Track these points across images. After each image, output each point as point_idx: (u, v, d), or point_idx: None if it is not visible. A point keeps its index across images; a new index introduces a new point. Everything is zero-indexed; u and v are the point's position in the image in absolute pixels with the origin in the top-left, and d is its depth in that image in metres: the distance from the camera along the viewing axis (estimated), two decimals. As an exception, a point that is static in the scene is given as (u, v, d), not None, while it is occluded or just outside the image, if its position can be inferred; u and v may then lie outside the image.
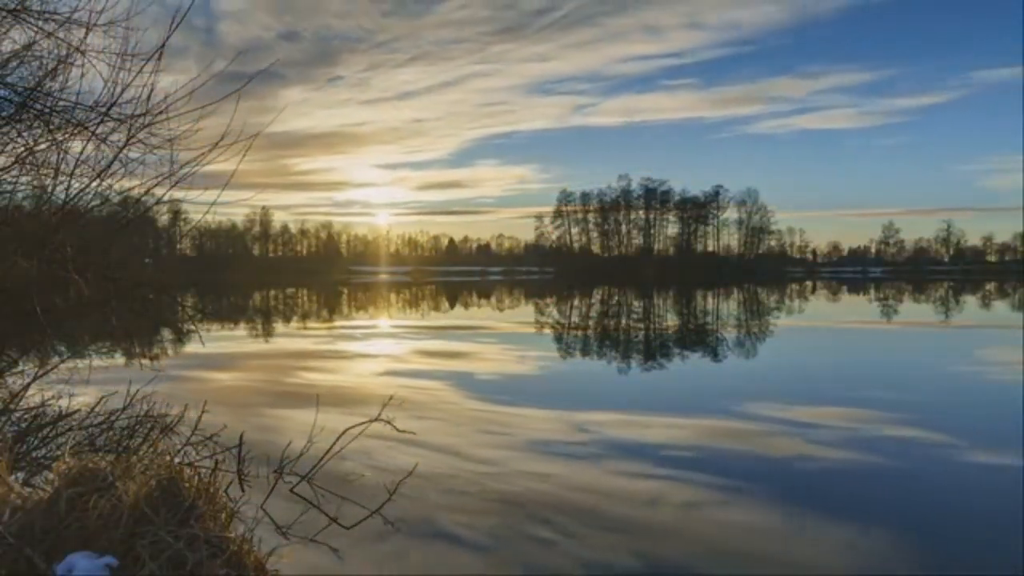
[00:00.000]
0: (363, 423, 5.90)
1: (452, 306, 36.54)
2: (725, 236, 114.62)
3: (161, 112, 5.49)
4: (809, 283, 70.98)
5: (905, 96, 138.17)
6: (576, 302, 39.97)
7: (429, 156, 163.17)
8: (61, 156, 5.75)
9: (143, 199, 5.98)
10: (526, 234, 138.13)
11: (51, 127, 5.75)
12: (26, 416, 6.14)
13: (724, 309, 33.31)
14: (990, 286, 59.54)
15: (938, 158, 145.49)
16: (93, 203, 5.89)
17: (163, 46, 5.29)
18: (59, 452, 4.78)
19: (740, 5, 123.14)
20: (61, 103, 5.71)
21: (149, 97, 5.42)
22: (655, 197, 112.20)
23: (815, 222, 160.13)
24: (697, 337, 19.85)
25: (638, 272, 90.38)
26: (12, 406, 6.07)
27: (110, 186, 5.84)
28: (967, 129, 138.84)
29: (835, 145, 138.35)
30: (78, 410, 6.31)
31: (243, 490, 5.45)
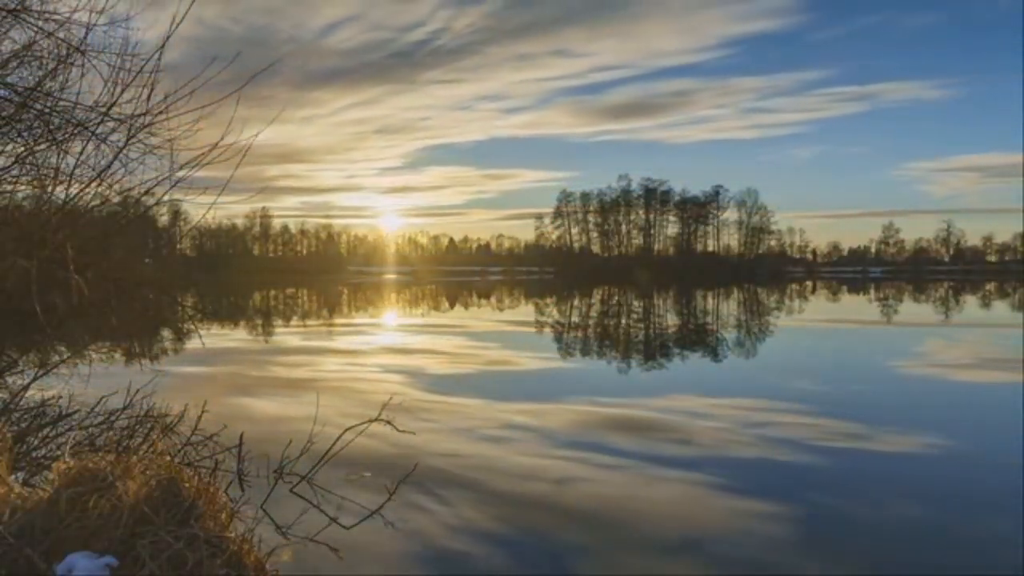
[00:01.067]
0: (363, 423, 5.90)
1: (452, 306, 36.54)
2: (725, 236, 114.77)
3: (161, 112, 5.49)
4: (809, 283, 70.96)
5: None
6: (576, 302, 39.97)
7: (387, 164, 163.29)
8: (61, 156, 5.76)
9: (143, 199, 5.98)
10: (526, 234, 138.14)
11: (51, 127, 5.75)
12: (26, 416, 6.14)
13: (724, 310, 33.31)
14: (990, 286, 59.54)
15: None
16: (93, 203, 5.89)
17: (163, 46, 5.29)
18: (59, 452, 4.78)
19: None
20: (61, 103, 5.72)
21: (149, 97, 5.42)
22: (655, 197, 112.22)
23: (813, 222, 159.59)
24: (697, 337, 19.85)
25: (638, 272, 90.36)
26: (12, 406, 6.07)
27: (110, 186, 5.85)
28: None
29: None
30: (78, 410, 6.31)
31: (243, 490, 5.45)
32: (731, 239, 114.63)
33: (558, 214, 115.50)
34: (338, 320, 26.96)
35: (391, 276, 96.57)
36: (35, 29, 5.78)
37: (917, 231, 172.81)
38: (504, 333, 21.57)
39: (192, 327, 18.42)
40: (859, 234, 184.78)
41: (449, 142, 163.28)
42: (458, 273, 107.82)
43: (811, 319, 26.90)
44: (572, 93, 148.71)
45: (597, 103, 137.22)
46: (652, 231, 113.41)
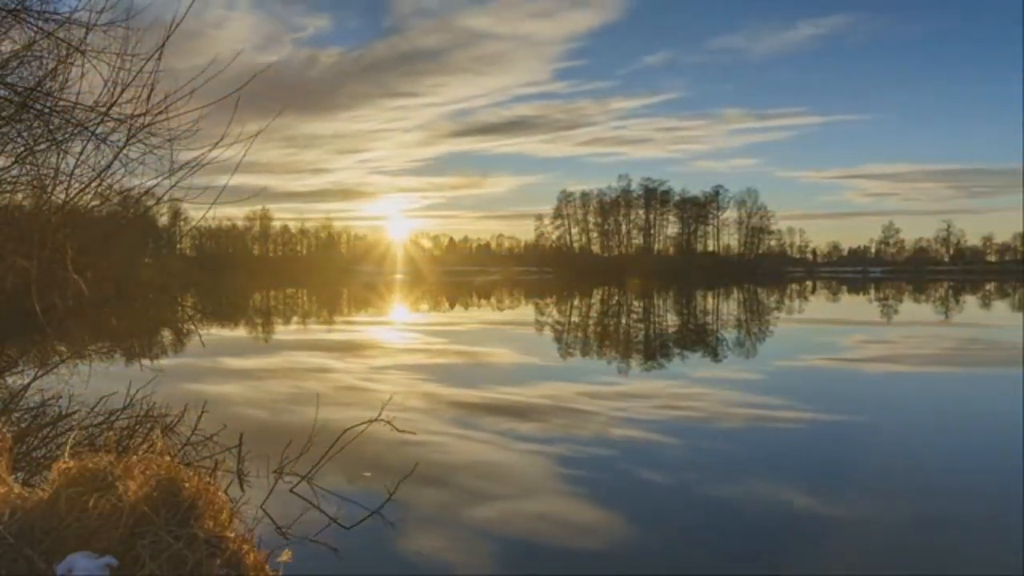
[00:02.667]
0: (363, 423, 5.90)
1: (452, 306, 36.55)
2: (725, 236, 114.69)
3: (161, 112, 5.48)
4: (809, 283, 70.96)
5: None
6: (576, 302, 39.97)
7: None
8: (61, 156, 5.75)
9: (143, 199, 5.98)
10: (526, 234, 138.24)
11: (51, 127, 5.75)
12: (26, 416, 6.14)
13: (724, 310, 33.30)
14: (990, 286, 59.54)
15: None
16: (93, 203, 5.89)
17: (163, 46, 5.28)
18: (59, 452, 4.77)
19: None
20: (61, 103, 5.71)
21: (149, 97, 5.41)
22: (655, 197, 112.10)
23: (813, 223, 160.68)
24: (697, 337, 19.85)
25: (638, 272, 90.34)
26: (12, 406, 6.07)
27: (110, 186, 5.84)
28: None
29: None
30: (78, 410, 6.31)
31: (243, 490, 5.45)
32: (731, 239, 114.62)
33: (558, 214, 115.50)
34: (338, 320, 26.96)
35: (391, 276, 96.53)
36: (35, 29, 5.78)
37: (917, 231, 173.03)
38: (504, 333, 21.58)
39: (192, 327, 18.42)
40: (859, 234, 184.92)
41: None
42: (458, 273, 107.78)
43: (812, 319, 26.91)
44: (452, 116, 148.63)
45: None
46: (652, 231, 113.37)
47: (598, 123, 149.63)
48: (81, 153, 5.71)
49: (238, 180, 5.66)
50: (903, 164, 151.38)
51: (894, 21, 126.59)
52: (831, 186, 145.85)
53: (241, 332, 21.38)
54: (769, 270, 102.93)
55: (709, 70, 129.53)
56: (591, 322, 26.71)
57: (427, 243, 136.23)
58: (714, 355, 15.55)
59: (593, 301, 41.10)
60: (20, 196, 6.67)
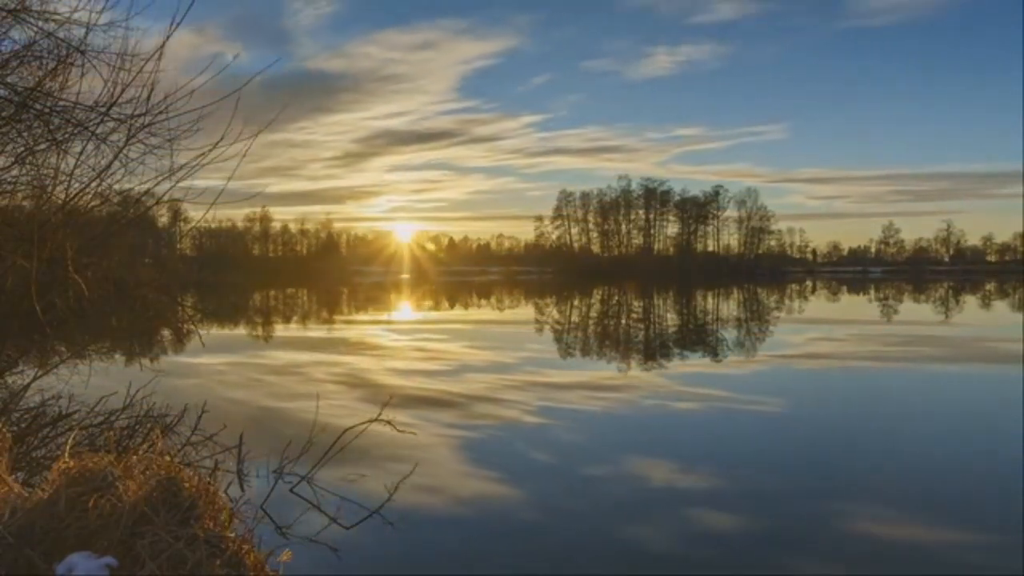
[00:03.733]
0: (363, 423, 5.90)
1: (452, 306, 36.55)
2: (725, 236, 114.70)
3: (161, 112, 5.48)
4: (809, 283, 70.98)
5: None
6: (576, 302, 39.96)
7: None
8: (61, 156, 5.74)
9: (143, 199, 5.98)
10: (526, 234, 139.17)
11: (51, 127, 5.74)
12: (26, 416, 6.14)
13: (724, 310, 33.30)
14: (990, 286, 59.55)
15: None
16: (93, 203, 5.88)
17: (163, 46, 5.28)
18: (59, 452, 4.77)
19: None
20: (61, 103, 5.70)
21: (149, 97, 5.40)
22: (655, 197, 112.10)
23: (814, 222, 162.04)
24: (697, 337, 19.86)
25: (638, 272, 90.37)
26: (12, 406, 6.07)
27: (110, 186, 5.84)
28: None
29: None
30: (78, 410, 6.31)
31: (243, 490, 5.46)
32: (731, 239, 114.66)
33: (558, 214, 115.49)
34: (338, 320, 26.95)
35: (391, 276, 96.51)
36: (35, 29, 5.77)
37: (917, 231, 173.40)
38: (504, 333, 21.58)
39: (192, 327, 18.42)
40: (859, 234, 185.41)
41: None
42: (458, 273, 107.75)
43: (812, 319, 26.91)
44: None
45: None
46: (652, 231, 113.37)
47: (502, 138, 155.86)
48: (81, 153, 5.70)
49: (238, 180, 5.66)
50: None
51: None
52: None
53: (241, 332, 21.39)
54: (769, 270, 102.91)
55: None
56: (590, 322, 26.71)
57: (429, 244, 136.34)
58: (714, 355, 15.55)
59: (592, 301, 41.10)
60: (20, 196, 6.67)
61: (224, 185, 5.60)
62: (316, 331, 22.03)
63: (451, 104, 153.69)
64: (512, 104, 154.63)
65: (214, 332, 20.37)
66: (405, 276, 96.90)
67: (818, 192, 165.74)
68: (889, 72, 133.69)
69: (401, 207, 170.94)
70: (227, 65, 5.33)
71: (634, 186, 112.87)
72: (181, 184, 5.61)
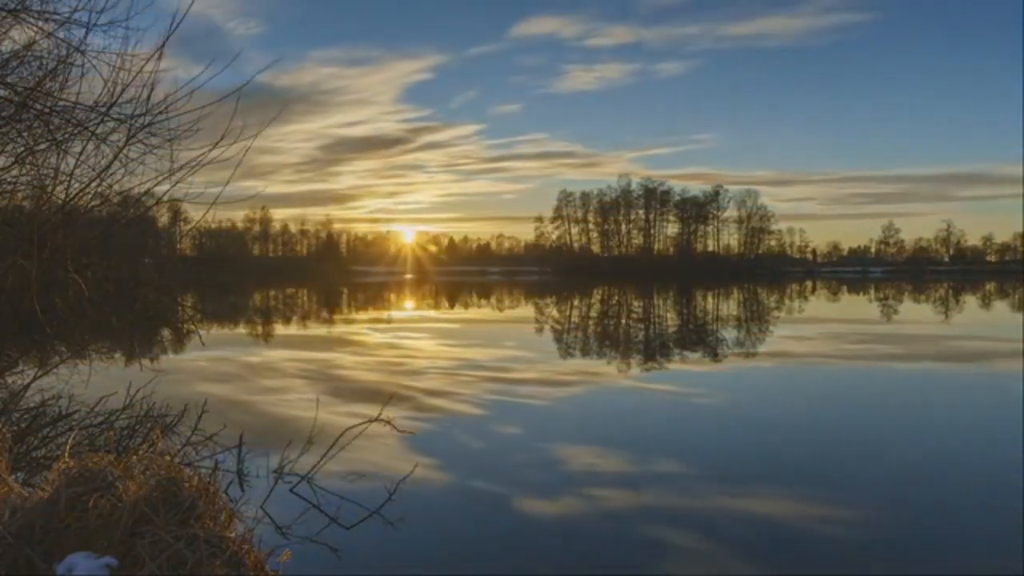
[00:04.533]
0: (363, 423, 5.90)
1: (452, 306, 36.56)
2: (725, 236, 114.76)
3: (161, 112, 5.48)
4: (809, 283, 71.00)
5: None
6: (575, 302, 39.97)
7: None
8: (61, 156, 5.74)
9: (143, 199, 5.98)
10: (526, 234, 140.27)
11: (51, 127, 5.74)
12: (26, 416, 6.14)
13: (724, 310, 33.31)
14: (990, 286, 59.55)
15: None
16: (93, 203, 5.88)
17: (163, 46, 5.28)
18: (59, 452, 4.77)
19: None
20: (61, 103, 5.70)
21: (149, 97, 5.41)
22: (655, 197, 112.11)
23: (813, 223, 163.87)
24: (697, 337, 19.86)
25: (638, 272, 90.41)
26: (12, 406, 6.07)
27: (110, 186, 5.84)
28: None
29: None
30: (78, 410, 6.31)
31: (243, 490, 5.46)
32: (731, 239, 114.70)
33: (558, 214, 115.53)
34: (338, 320, 26.95)
35: (391, 276, 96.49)
36: (35, 29, 5.77)
37: (917, 231, 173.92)
38: (503, 332, 21.58)
39: (192, 327, 18.42)
40: (859, 234, 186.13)
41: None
42: (458, 273, 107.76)
43: (813, 318, 26.93)
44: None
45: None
46: (652, 231, 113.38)
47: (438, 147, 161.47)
48: (81, 153, 5.70)
49: (238, 180, 5.67)
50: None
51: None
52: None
53: (241, 331, 21.39)
54: (769, 270, 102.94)
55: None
56: (590, 322, 26.72)
57: (429, 244, 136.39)
58: (713, 355, 15.56)
59: (592, 301, 41.11)
60: (20, 196, 6.67)
61: (224, 185, 5.61)
62: (316, 330, 22.04)
63: (400, 114, 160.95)
64: (455, 114, 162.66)
65: (214, 332, 20.38)
66: (405, 276, 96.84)
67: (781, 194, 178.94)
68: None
69: (383, 208, 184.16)
70: (227, 65, 5.33)
71: (634, 186, 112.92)
72: (181, 184, 5.61)
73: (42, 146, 5.92)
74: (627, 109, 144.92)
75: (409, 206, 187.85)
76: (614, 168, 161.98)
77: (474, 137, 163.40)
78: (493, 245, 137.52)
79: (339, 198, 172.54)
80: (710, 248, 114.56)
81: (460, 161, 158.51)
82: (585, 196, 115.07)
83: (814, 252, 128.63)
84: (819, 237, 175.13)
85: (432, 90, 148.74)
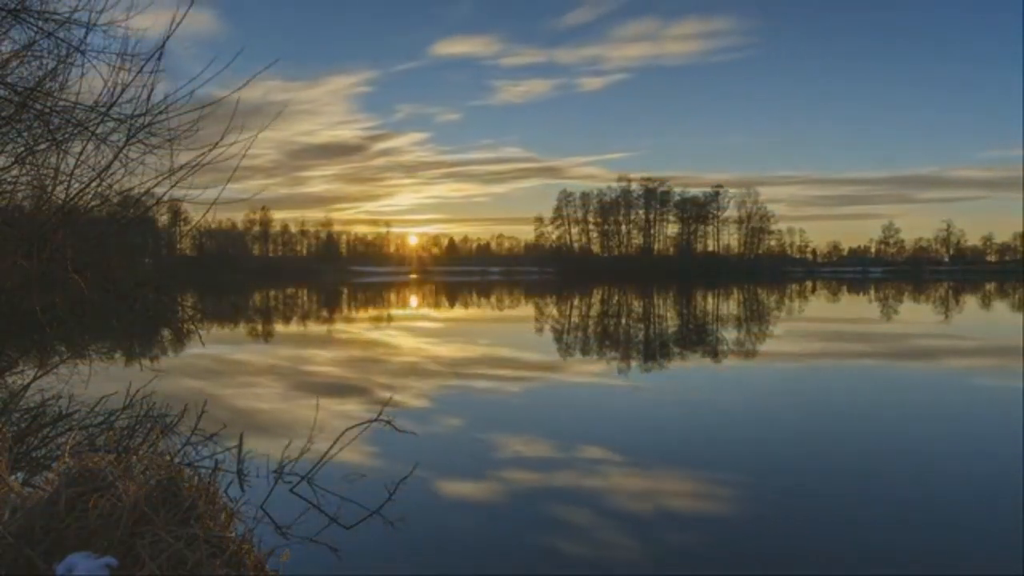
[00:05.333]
0: (363, 423, 5.90)
1: (452, 305, 36.57)
2: (725, 236, 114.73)
3: (161, 112, 5.48)
4: (809, 283, 71.01)
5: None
6: (576, 302, 39.97)
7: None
8: (61, 156, 5.74)
9: (143, 199, 5.98)
10: (526, 234, 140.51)
11: (51, 127, 5.74)
12: (26, 416, 6.14)
13: (724, 310, 33.31)
14: (990, 286, 59.56)
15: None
16: (93, 203, 5.88)
17: (163, 46, 5.29)
18: (59, 452, 4.77)
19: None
20: (61, 103, 5.70)
21: (149, 97, 5.41)
22: (655, 197, 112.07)
23: (813, 224, 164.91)
24: (697, 337, 19.87)
25: (638, 272, 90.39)
26: (12, 406, 6.07)
27: (110, 186, 5.83)
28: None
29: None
30: (78, 410, 6.30)
31: (243, 490, 5.45)
32: (731, 239, 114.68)
33: (558, 214, 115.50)
34: (338, 321, 26.95)
35: (391, 277, 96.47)
36: (35, 29, 5.77)
37: (917, 231, 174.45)
38: (503, 332, 21.57)
39: (192, 327, 18.42)
40: (859, 234, 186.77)
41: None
42: (458, 273, 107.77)
43: (814, 317, 26.93)
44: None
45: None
46: (652, 231, 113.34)
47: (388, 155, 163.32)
48: (81, 153, 5.70)
49: (238, 181, 5.67)
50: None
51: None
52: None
53: (241, 331, 21.40)
54: (769, 270, 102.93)
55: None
56: (590, 322, 26.72)
57: (429, 244, 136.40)
58: (713, 355, 15.56)
59: (592, 301, 41.12)
60: (20, 196, 6.67)
61: (224, 185, 5.61)
62: (316, 331, 22.05)
63: (354, 123, 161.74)
64: (403, 123, 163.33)
65: (214, 332, 20.38)
66: (405, 277, 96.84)
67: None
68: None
69: (364, 210, 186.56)
70: (227, 65, 5.33)
71: (634, 186, 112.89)
72: (181, 184, 5.61)
73: (42, 146, 5.92)
74: (564, 118, 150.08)
75: (397, 207, 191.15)
76: (579, 171, 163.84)
77: (428, 144, 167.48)
78: (493, 245, 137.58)
79: (318, 201, 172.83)
80: (710, 248, 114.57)
81: (423, 165, 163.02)
82: (585, 196, 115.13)
83: (814, 252, 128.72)
84: (819, 237, 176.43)
85: (374, 102, 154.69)
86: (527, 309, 33.91)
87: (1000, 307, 33.70)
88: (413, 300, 42.76)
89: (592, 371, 13.60)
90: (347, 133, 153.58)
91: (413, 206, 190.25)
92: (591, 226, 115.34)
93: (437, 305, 37.52)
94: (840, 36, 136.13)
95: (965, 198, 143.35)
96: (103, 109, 5.47)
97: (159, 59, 5.31)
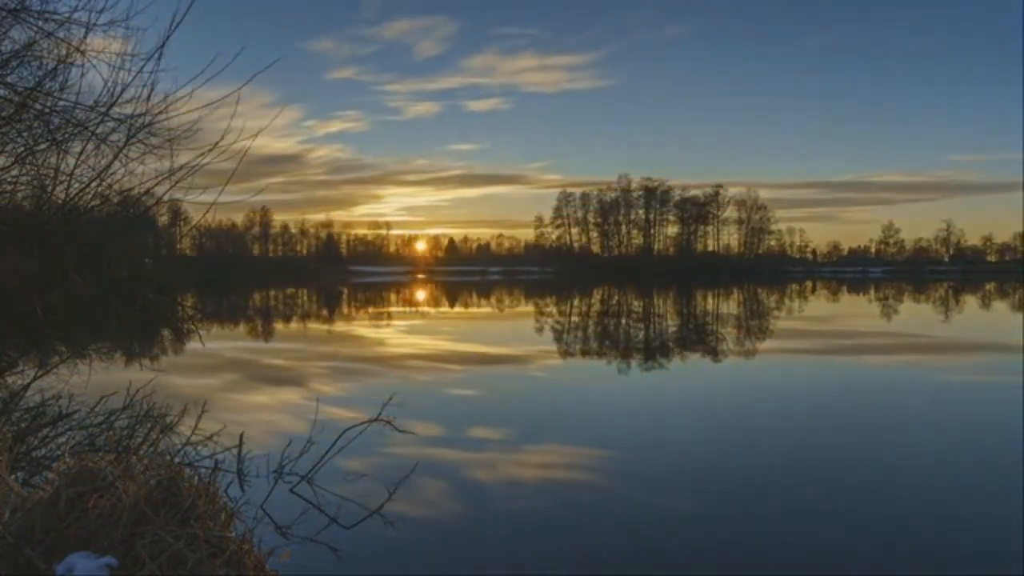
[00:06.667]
0: (363, 423, 5.90)
1: (452, 306, 36.57)
2: (725, 236, 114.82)
3: (161, 112, 5.49)
4: (809, 283, 71.01)
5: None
6: (576, 302, 39.97)
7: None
8: (61, 156, 5.74)
9: (143, 199, 5.98)
10: (526, 234, 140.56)
11: (51, 127, 5.74)
12: (26, 416, 6.14)
13: (724, 309, 33.31)
14: (990, 286, 59.56)
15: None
16: (93, 203, 5.88)
17: (163, 46, 5.29)
18: (59, 452, 4.77)
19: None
20: (61, 103, 5.71)
21: (149, 97, 5.42)
22: (655, 197, 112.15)
23: (813, 225, 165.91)
24: (697, 337, 19.87)
25: (638, 272, 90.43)
26: (12, 406, 6.07)
27: (110, 186, 5.84)
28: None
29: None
30: (78, 410, 6.30)
31: (243, 490, 5.45)
32: (731, 239, 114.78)
33: (558, 214, 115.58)
34: (338, 320, 26.95)
35: (392, 277, 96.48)
36: (35, 29, 5.76)
37: (917, 231, 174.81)
38: (503, 331, 21.58)
39: (192, 327, 18.43)
40: (859, 234, 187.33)
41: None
42: (458, 273, 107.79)
43: (814, 316, 26.93)
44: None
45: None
46: (652, 231, 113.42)
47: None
48: (81, 153, 5.70)
49: (238, 181, 5.67)
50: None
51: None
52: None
53: (241, 331, 21.40)
54: (769, 270, 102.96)
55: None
56: (590, 322, 26.73)
57: (429, 243, 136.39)
58: (714, 355, 15.56)
59: (592, 301, 41.12)
60: (20, 196, 6.66)
61: (224, 185, 5.61)
62: (316, 330, 22.05)
63: (282, 138, 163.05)
64: (322, 139, 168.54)
65: (214, 332, 20.38)
66: (405, 277, 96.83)
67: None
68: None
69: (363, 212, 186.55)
70: (226, 65, 5.33)
71: (634, 186, 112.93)
72: (181, 184, 5.61)
73: (42, 146, 5.92)
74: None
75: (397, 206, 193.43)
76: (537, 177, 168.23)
77: (342, 153, 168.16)
78: (493, 245, 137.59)
79: (319, 203, 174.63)
80: (710, 248, 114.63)
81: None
82: (585, 196, 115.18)
83: (814, 252, 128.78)
84: (819, 237, 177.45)
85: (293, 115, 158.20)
86: (527, 309, 33.92)
87: (1000, 307, 33.70)
88: (413, 300, 42.76)
89: (592, 371, 13.61)
90: (289, 146, 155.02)
91: (412, 206, 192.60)
92: (591, 226, 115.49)
93: (437, 305, 37.53)
94: (840, 36, 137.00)
95: (965, 198, 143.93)
96: (103, 109, 5.47)
97: (159, 59, 5.32)
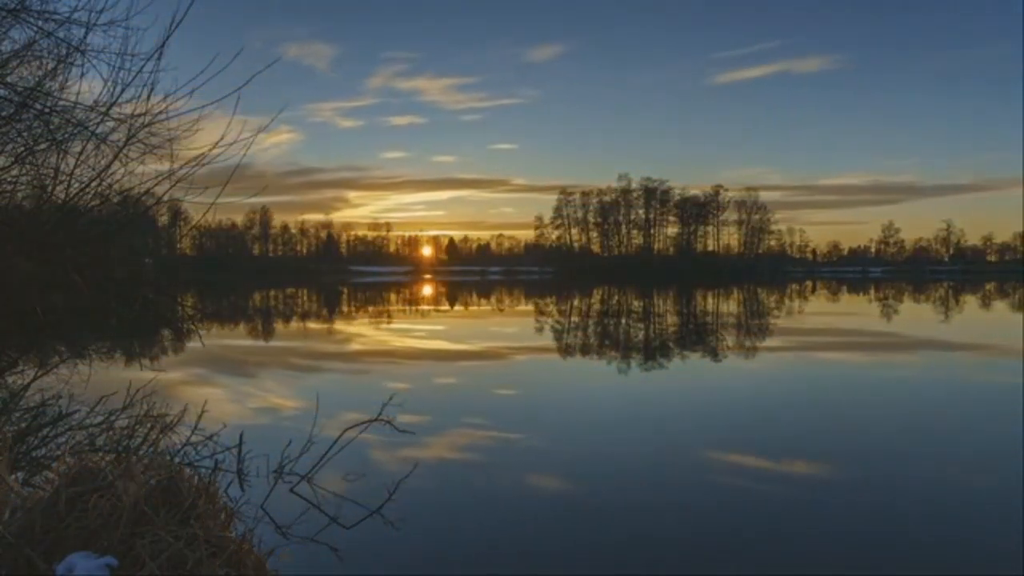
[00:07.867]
0: (363, 423, 5.89)
1: (452, 306, 36.56)
2: (725, 236, 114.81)
3: (161, 112, 5.48)
4: (809, 283, 70.99)
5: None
6: (575, 302, 39.97)
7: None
8: (61, 156, 5.74)
9: (143, 199, 5.97)
10: (526, 234, 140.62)
11: (51, 127, 5.73)
12: (26, 416, 6.13)
13: (724, 309, 33.31)
14: (990, 286, 59.55)
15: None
16: (93, 203, 5.87)
17: (163, 46, 5.28)
18: (59, 452, 4.77)
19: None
20: (61, 103, 5.70)
21: (149, 97, 5.41)
22: (655, 197, 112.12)
23: (813, 228, 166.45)
24: (697, 337, 19.87)
25: (638, 272, 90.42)
26: (12, 406, 6.07)
27: (110, 186, 5.83)
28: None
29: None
30: (78, 410, 6.30)
31: (243, 490, 5.45)
32: (731, 239, 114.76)
33: (558, 214, 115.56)
34: (338, 320, 26.96)
35: (391, 277, 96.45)
36: (35, 29, 5.76)
37: (917, 231, 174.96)
38: (497, 330, 21.58)
39: (192, 327, 18.42)
40: (859, 234, 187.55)
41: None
42: (458, 273, 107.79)
43: (814, 315, 26.94)
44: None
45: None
46: (652, 231, 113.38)
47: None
48: (81, 153, 5.70)
49: (238, 181, 5.66)
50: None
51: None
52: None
53: (241, 331, 21.40)
54: (769, 270, 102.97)
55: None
56: (590, 321, 26.73)
57: (429, 244, 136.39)
58: (714, 355, 15.56)
59: (592, 301, 41.11)
60: (20, 196, 6.66)
61: (224, 185, 5.60)
62: (316, 330, 22.05)
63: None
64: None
65: (213, 332, 20.37)
66: (405, 277, 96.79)
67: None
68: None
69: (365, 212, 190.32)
70: (226, 65, 5.33)
71: (634, 186, 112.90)
72: (181, 184, 5.61)
73: (42, 146, 5.91)
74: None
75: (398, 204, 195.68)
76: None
77: (293, 156, 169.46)
78: (493, 245, 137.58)
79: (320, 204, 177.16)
80: (710, 248, 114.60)
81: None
82: (585, 196, 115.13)
83: (814, 252, 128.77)
84: (819, 237, 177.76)
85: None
86: (527, 309, 33.91)
87: (1000, 307, 33.70)
88: (413, 300, 42.75)
89: (592, 371, 13.61)
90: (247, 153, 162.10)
91: (413, 203, 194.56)
92: (591, 226, 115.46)
93: (437, 305, 37.52)
94: (840, 35, 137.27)
95: (965, 198, 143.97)
96: (103, 109, 5.47)
97: (159, 59, 5.31)
